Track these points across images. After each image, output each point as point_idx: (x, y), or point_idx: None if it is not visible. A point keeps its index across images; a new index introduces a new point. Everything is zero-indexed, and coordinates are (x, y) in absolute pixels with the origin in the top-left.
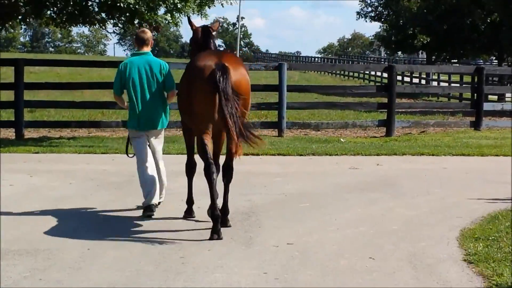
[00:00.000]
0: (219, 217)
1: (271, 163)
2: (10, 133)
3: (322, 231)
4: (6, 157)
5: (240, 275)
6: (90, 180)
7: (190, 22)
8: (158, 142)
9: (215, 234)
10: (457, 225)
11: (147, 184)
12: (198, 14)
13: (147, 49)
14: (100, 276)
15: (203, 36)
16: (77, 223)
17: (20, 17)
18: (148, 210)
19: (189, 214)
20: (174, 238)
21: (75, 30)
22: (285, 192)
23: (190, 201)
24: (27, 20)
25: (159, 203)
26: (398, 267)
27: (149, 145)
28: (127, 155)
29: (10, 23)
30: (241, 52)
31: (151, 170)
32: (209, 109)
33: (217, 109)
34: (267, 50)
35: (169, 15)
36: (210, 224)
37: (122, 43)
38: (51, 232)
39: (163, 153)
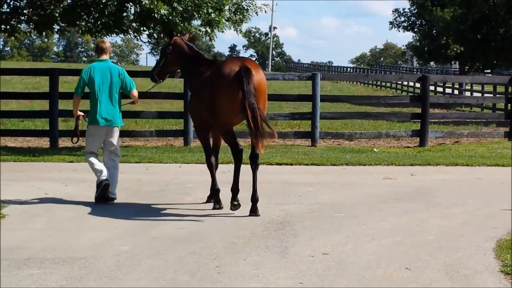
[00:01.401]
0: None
1: (305, 173)
2: (44, 142)
3: (357, 241)
4: (40, 166)
5: (276, 285)
6: (124, 189)
7: (171, 34)
8: (114, 138)
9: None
10: (493, 235)
11: (98, 169)
12: (234, 30)
13: (106, 57)
14: (136, 285)
15: (191, 48)
16: (112, 232)
17: (56, 27)
18: (108, 199)
19: (218, 203)
20: (210, 247)
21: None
22: (320, 202)
23: (215, 190)
24: (63, 30)
25: (113, 199)
26: (434, 278)
27: (105, 141)
28: (72, 141)
29: (45, 33)
30: (273, 62)
31: (98, 159)
32: (234, 104)
33: (240, 104)
34: (299, 60)
35: (203, 27)
36: (245, 234)
37: (155, 53)
38: (87, 240)
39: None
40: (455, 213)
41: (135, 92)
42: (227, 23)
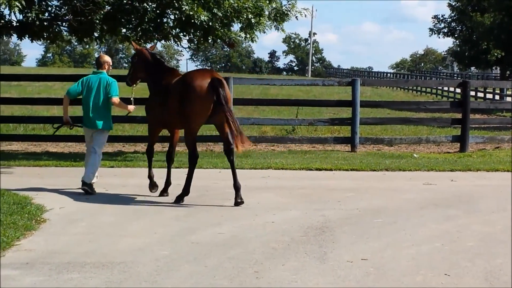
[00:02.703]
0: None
1: (344, 178)
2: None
3: (397, 247)
4: (82, 171)
5: None
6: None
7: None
8: (98, 138)
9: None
10: None
11: (87, 165)
12: (276, 29)
13: (102, 69)
14: None
15: (154, 57)
16: (152, 237)
17: (96, 34)
18: (83, 184)
19: (153, 187)
20: (249, 252)
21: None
22: (359, 207)
23: (150, 176)
24: (103, 37)
25: (93, 182)
26: (474, 284)
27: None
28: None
29: (86, 40)
30: (312, 67)
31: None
32: (206, 112)
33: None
34: (338, 66)
35: (243, 32)
36: (285, 239)
37: (195, 59)
38: (126, 245)
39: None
40: (496, 219)
41: (114, 99)
42: (268, 23)
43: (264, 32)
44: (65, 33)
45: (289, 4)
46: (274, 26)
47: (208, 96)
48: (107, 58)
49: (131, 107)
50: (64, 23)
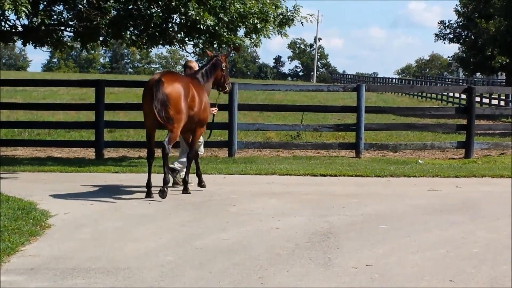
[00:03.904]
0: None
1: (349, 184)
2: (90, 153)
3: (402, 253)
4: (86, 176)
5: None
6: (169, 199)
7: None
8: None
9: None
10: None
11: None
12: (278, 34)
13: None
14: None
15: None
16: (157, 242)
17: (101, 39)
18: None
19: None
20: (253, 258)
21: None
22: (364, 213)
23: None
24: (108, 42)
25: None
26: None
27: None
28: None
29: (91, 44)
30: (318, 73)
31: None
32: (150, 111)
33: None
34: (344, 71)
35: (248, 37)
36: (289, 245)
37: (200, 64)
38: (131, 250)
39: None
40: (501, 225)
41: None
42: (271, 28)
43: (269, 37)
44: (68, 38)
45: (294, 10)
46: (278, 31)
47: (145, 97)
48: (194, 64)
49: (214, 110)
50: (68, 28)
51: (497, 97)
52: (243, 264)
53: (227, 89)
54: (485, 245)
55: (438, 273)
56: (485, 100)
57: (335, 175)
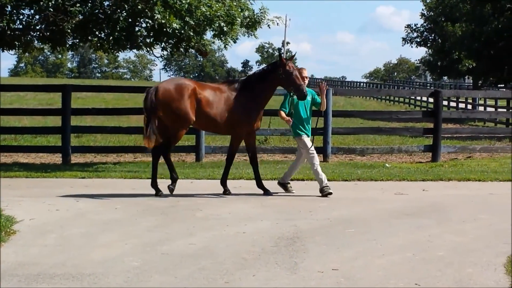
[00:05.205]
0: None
1: (316, 188)
2: (57, 158)
3: (368, 257)
4: (52, 182)
5: None
6: (136, 205)
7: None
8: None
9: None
10: (504, 251)
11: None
12: (247, 35)
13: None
14: None
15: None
16: (123, 248)
17: (70, 42)
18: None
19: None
20: (219, 263)
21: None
22: (330, 217)
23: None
24: (76, 45)
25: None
26: None
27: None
28: None
29: (61, 48)
30: None
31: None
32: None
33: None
34: (312, 75)
35: (216, 39)
36: (255, 250)
37: (168, 69)
38: (97, 256)
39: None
40: (467, 228)
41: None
42: (241, 29)
43: (237, 39)
44: (37, 42)
45: (261, 12)
46: (247, 33)
47: (145, 104)
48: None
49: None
50: (35, 32)
51: (464, 100)
52: (209, 269)
53: (297, 94)
54: (451, 248)
55: (403, 276)
56: (453, 104)
57: (303, 179)
